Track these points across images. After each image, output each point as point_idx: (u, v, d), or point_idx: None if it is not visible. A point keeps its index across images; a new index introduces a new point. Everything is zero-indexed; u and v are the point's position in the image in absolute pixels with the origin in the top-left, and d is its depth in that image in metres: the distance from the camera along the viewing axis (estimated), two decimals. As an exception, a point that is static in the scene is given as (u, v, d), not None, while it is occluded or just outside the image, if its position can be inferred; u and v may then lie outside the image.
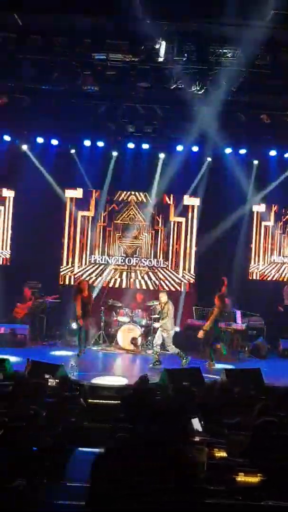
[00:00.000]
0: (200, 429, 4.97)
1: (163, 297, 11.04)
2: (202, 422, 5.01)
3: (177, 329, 12.27)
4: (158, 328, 11.04)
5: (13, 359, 8.91)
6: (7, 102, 11.37)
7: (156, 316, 11.71)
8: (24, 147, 13.43)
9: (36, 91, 10.86)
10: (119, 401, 6.56)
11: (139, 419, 4.78)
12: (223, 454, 4.48)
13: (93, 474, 3.06)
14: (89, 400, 8.22)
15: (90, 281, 14.09)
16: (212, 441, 4.72)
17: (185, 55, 9.26)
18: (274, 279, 14.53)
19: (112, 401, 7.80)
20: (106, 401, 8.31)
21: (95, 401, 8.36)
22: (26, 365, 7.90)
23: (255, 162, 13.60)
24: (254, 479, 3.81)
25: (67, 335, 12.73)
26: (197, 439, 4.77)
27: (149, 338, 12.82)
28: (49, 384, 7.09)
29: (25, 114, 11.85)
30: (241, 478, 3.82)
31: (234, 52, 9.39)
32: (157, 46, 8.81)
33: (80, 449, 4.83)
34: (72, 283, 14.03)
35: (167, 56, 9.04)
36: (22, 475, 3.70)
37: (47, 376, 7.50)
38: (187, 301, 13.77)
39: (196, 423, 4.94)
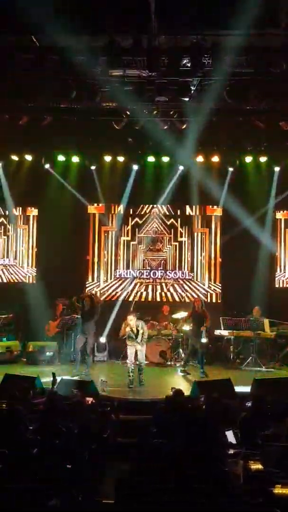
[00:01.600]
0: (234, 441, 4.91)
1: (133, 320, 10.29)
2: (237, 434, 4.95)
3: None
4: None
5: (41, 376, 8.92)
6: (27, 122, 11.55)
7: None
8: (46, 165, 13.59)
9: (56, 110, 10.99)
10: (151, 416, 6.52)
11: (172, 433, 4.75)
12: (259, 466, 4.41)
13: (116, 491, 3.03)
14: (121, 416, 8.20)
15: (116, 296, 14.15)
16: (247, 453, 4.66)
17: (201, 67, 9.33)
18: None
19: (144, 416, 7.76)
20: (138, 416, 8.28)
21: (127, 416, 8.34)
22: (52, 381, 7.90)
23: (276, 169, 13.50)
24: (291, 491, 3.74)
25: (95, 351, 12.73)
26: (231, 451, 4.71)
27: (178, 350, 12.78)
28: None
29: (46, 133, 12.01)
30: (278, 490, 3.75)
31: (250, 61, 9.42)
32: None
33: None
34: (98, 299, 14.05)
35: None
36: (56, 493, 3.69)
37: (75, 391, 7.51)
38: (214, 312, 13.67)
39: (230, 436, 4.88)
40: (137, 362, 10.25)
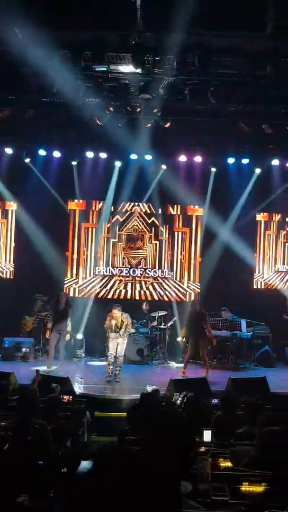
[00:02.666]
0: (207, 439, 4.92)
1: (118, 312, 10.56)
2: (208, 431, 4.97)
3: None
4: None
5: (17, 372, 8.84)
6: (9, 115, 11.43)
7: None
8: (27, 160, 13.47)
9: (38, 104, 10.89)
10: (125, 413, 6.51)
11: (146, 431, 4.74)
12: (228, 464, 4.44)
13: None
14: (96, 413, 8.19)
15: (95, 293, 14.10)
16: (217, 451, 4.68)
17: (187, 66, 9.34)
18: (279, 287, 14.45)
19: (119, 413, 7.76)
20: (113, 414, 8.28)
21: (102, 413, 8.33)
22: (34, 377, 7.84)
23: (257, 170, 13.59)
24: (258, 489, 3.77)
25: (72, 348, 12.69)
26: (202, 449, 4.73)
27: (156, 348, 12.81)
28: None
29: (27, 127, 11.91)
30: (245, 487, 3.77)
31: (235, 63, 9.46)
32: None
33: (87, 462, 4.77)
34: (77, 295, 14.02)
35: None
36: (27, 490, 3.65)
37: (54, 385, 7.45)
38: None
39: (208, 435, 4.89)
40: (116, 355, 10.27)
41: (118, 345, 10.45)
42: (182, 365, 11.44)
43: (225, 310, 12.57)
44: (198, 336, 11.10)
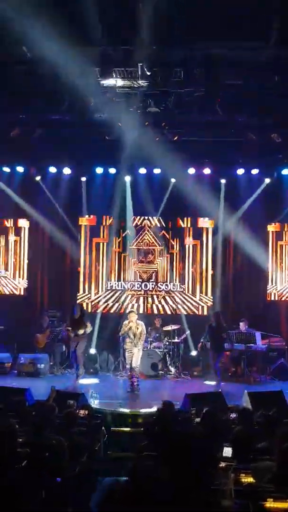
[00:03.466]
0: (227, 455, 4.84)
1: (134, 317, 10.85)
2: (229, 448, 4.89)
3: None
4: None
5: (33, 388, 8.80)
6: (19, 134, 11.53)
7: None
8: (38, 177, 13.56)
9: (47, 121, 10.98)
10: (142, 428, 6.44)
11: (163, 446, 4.67)
12: (250, 479, 4.34)
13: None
14: (112, 429, 8.11)
15: (107, 308, 14.09)
16: (239, 466, 4.59)
17: (194, 79, 9.39)
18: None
19: (136, 429, 7.68)
20: (129, 429, 8.20)
21: (118, 429, 8.25)
22: (50, 393, 7.80)
23: (267, 180, 13.53)
24: (283, 505, 3.68)
25: (86, 362, 12.63)
26: (222, 464, 4.64)
27: (170, 362, 12.72)
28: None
29: (37, 145, 12.00)
30: (270, 504, 3.68)
31: (242, 74, 9.50)
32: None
33: (106, 478, 4.71)
34: (89, 310, 13.99)
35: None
36: (45, 506, 3.61)
37: (70, 402, 7.40)
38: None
39: (228, 452, 4.82)
40: (132, 366, 10.46)
41: (133, 355, 10.47)
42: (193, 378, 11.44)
43: (244, 321, 12.44)
44: (216, 348, 11.13)
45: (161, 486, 2.72)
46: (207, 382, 11.52)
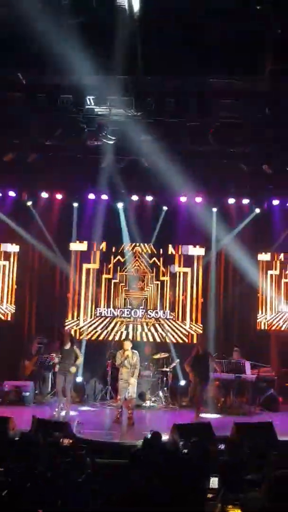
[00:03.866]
0: (215, 486, 4.73)
1: (129, 345, 10.74)
2: (215, 478, 4.78)
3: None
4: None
5: (17, 417, 8.62)
6: (13, 158, 11.57)
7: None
8: (29, 202, 13.56)
9: (41, 147, 11.03)
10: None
11: (149, 478, 4.55)
12: (238, 511, 4.24)
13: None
14: (97, 460, 7.91)
15: (96, 335, 13.95)
16: (226, 497, 4.48)
17: (187, 109, 9.49)
18: (283, 329, 14.22)
19: (122, 460, 7.50)
20: (116, 460, 8.00)
21: (103, 460, 8.05)
22: (32, 423, 7.65)
23: (257, 210, 13.62)
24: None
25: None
26: (209, 496, 4.54)
27: (158, 392, 12.55)
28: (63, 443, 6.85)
29: (30, 170, 12.03)
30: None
31: (235, 105, 9.63)
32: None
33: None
34: (77, 337, 13.83)
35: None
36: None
37: (56, 433, 7.24)
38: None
39: (215, 482, 4.71)
40: (126, 397, 10.33)
41: (130, 386, 10.35)
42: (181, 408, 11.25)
43: (237, 350, 12.34)
44: (201, 377, 10.99)
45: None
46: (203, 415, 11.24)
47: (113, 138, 10.54)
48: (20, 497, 4.28)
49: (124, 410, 10.48)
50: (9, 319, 14.15)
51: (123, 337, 13.71)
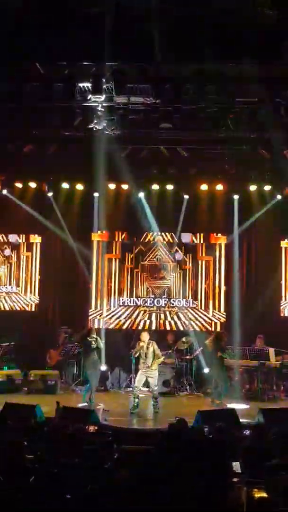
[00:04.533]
0: (239, 470, 4.74)
1: (146, 337, 10.66)
2: (242, 464, 4.79)
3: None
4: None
5: (42, 405, 8.73)
6: (32, 150, 11.62)
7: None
8: (50, 193, 13.63)
9: (61, 138, 11.04)
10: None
11: (174, 464, 4.58)
12: (263, 494, 4.24)
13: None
14: (123, 446, 7.99)
15: (119, 324, 14.02)
16: (251, 481, 4.49)
17: (205, 95, 9.41)
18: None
19: (148, 447, 7.55)
20: (141, 447, 8.06)
21: (129, 446, 8.11)
22: (56, 410, 7.74)
23: (279, 196, 13.47)
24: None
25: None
26: (235, 480, 4.55)
27: (182, 379, 12.59)
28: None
29: (50, 160, 12.07)
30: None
31: (254, 90, 9.51)
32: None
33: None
34: (101, 326, 13.93)
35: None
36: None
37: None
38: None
39: (236, 465, 4.72)
40: (150, 390, 10.38)
41: (147, 380, 10.36)
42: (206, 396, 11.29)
43: (260, 337, 12.31)
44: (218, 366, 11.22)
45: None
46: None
47: (133, 126, 10.50)
48: (48, 483, 4.34)
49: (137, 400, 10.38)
50: (33, 309, 14.31)
51: (147, 326, 13.79)
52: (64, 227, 13.77)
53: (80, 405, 10.44)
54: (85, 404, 10.56)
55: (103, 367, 12.48)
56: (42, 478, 4.42)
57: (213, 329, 13.84)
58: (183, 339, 12.96)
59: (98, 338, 11.28)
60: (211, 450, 4.20)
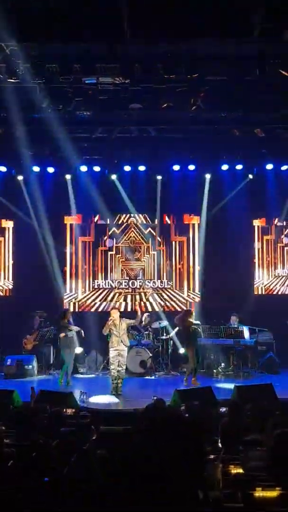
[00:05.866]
0: (216, 447, 4.81)
1: (116, 313, 10.62)
2: (218, 440, 4.86)
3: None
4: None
5: (20, 390, 8.71)
6: (1, 133, 11.40)
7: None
8: (20, 177, 13.43)
9: (29, 120, 10.85)
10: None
11: (154, 441, 4.62)
12: (239, 470, 4.32)
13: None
14: (101, 427, 8.03)
15: (95, 307, 14.02)
16: (227, 457, 4.56)
17: (175, 74, 9.32)
18: (280, 293, 14.37)
19: (126, 427, 7.61)
20: (119, 427, 8.12)
21: (108, 428, 8.17)
22: (30, 395, 7.74)
23: (250, 176, 13.53)
24: (272, 493, 3.65)
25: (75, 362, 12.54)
26: (211, 456, 4.62)
27: (159, 359, 12.68)
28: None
29: (19, 144, 11.86)
30: (258, 493, 3.65)
31: (223, 69, 9.45)
32: None
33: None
34: (76, 310, 13.92)
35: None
36: (33, 506, 3.54)
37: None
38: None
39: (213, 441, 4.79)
40: (118, 368, 10.22)
41: (120, 356, 10.30)
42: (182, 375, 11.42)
43: (234, 315, 12.44)
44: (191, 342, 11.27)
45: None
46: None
47: (102, 107, 10.38)
48: (27, 467, 4.35)
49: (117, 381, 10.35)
50: (7, 294, 14.20)
51: (122, 308, 13.79)
52: (37, 211, 13.62)
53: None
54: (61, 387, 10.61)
55: (78, 350, 12.47)
56: (20, 462, 4.42)
57: (187, 308, 13.92)
58: (159, 322, 13.02)
59: (73, 327, 11.33)
60: (187, 429, 4.25)
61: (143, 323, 12.81)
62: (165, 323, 12.97)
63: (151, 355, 12.43)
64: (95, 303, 14.12)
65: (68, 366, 11.11)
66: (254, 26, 8.33)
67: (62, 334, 11.18)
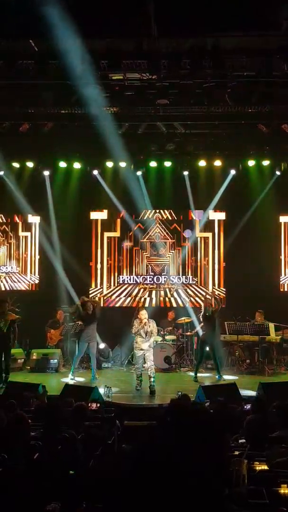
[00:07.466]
0: (240, 443, 4.81)
1: (145, 314, 10.35)
2: (242, 437, 4.85)
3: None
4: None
5: (45, 384, 8.82)
6: (28, 129, 11.51)
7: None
8: (46, 172, 13.55)
9: (57, 116, 10.93)
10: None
11: (176, 437, 4.64)
12: (264, 467, 4.31)
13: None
14: (126, 422, 8.09)
15: (120, 302, 14.09)
16: (252, 454, 4.55)
17: (202, 69, 9.27)
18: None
19: (150, 422, 7.65)
20: (143, 422, 8.16)
21: (131, 422, 8.22)
22: (41, 393, 7.85)
23: (278, 172, 13.39)
24: (298, 491, 3.64)
25: (99, 357, 12.64)
26: (236, 453, 4.61)
27: (183, 355, 12.69)
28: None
29: (47, 139, 11.97)
30: (284, 490, 3.64)
31: (251, 64, 9.37)
32: None
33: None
34: (101, 305, 13.99)
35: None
36: (58, 499, 3.59)
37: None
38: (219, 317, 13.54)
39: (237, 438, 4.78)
40: (146, 367, 10.13)
41: (145, 357, 10.21)
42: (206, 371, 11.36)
43: (260, 312, 12.32)
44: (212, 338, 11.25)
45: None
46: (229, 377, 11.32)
47: (129, 103, 10.39)
48: (51, 460, 4.41)
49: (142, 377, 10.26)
50: (33, 289, 14.37)
51: (147, 303, 13.82)
52: (63, 206, 13.74)
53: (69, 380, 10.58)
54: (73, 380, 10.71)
55: (102, 345, 12.55)
56: (46, 454, 4.49)
57: (212, 305, 13.86)
58: (184, 318, 13.01)
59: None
60: (212, 424, 4.25)
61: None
62: (199, 326, 12.91)
63: (175, 350, 12.45)
64: (120, 298, 14.18)
65: (78, 354, 11.23)
66: (282, 20, 8.24)
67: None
